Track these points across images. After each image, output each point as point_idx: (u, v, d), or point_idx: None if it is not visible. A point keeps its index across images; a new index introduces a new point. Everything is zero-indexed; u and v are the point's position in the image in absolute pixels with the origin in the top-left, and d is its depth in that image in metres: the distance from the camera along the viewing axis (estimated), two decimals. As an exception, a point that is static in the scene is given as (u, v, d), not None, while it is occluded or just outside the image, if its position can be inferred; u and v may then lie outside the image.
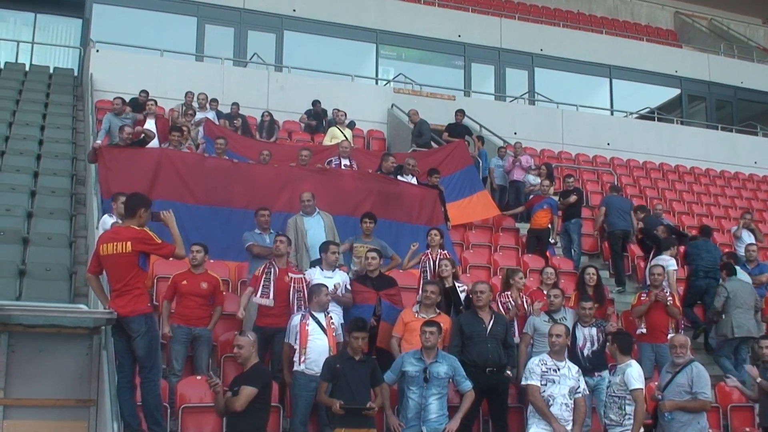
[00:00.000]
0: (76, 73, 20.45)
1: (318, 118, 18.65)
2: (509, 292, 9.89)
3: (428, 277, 10.11)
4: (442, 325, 8.18)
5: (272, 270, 8.96)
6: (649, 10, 33.10)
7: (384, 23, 24.04)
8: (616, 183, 16.28)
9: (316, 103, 18.92)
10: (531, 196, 14.89)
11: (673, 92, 27.72)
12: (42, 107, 17.00)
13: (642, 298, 10.59)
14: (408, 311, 8.81)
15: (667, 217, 15.58)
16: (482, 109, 21.22)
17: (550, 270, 10.54)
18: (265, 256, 9.59)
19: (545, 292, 9.95)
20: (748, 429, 9.18)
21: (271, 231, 10.26)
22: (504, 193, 16.36)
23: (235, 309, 9.17)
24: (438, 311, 8.82)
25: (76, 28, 22.56)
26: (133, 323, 7.21)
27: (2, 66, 19.46)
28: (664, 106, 27.30)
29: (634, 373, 7.96)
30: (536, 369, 7.77)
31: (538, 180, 15.12)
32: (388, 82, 22.62)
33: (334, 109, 18.06)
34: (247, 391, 6.87)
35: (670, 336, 9.41)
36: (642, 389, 7.98)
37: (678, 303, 10.88)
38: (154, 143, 13.46)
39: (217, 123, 15.68)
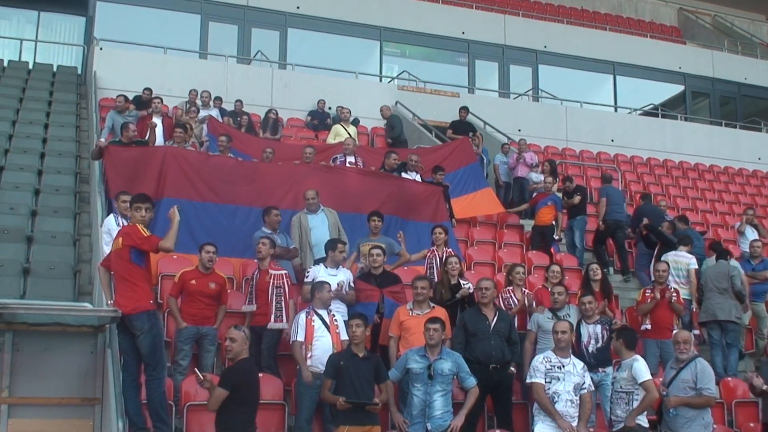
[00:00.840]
0: (79, 71, 20.42)
1: (322, 118, 18.67)
2: (511, 288, 9.91)
3: (434, 275, 10.12)
4: (444, 320, 8.14)
5: (255, 276, 9.12)
6: (653, 7, 33.02)
7: (388, 20, 24.00)
8: (608, 174, 16.37)
9: (320, 102, 18.94)
10: (535, 194, 14.89)
11: (677, 89, 27.65)
12: (46, 105, 16.98)
13: (647, 295, 10.58)
14: (403, 309, 8.75)
15: (672, 213, 15.56)
16: (486, 106, 21.22)
17: (556, 268, 10.48)
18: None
19: (550, 290, 9.94)
20: (752, 424, 9.17)
21: (279, 231, 10.28)
22: (509, 189, 16.36)
23: (239, 307, 9.19)
24: (432, 305, 8.75)
25: (79, 26, 22.54)
26: (136, 321, 7.23)
27: (6, 64, 19.44)
28: (668, 103, 27.24)
29: (641, 367, 7.99)
30: (540, 367, 7.79)
31: (541, 177, 15.11)
32: (392, 79, 22.61)
33: (338, 107, 18.08)
34: (216, 393, 6.61)
35: (674, 332, 9.41)
36: (652, 379, 8.02)
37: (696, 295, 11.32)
38: (160, 141, 13.48)
39: (220, 121, 15.70)
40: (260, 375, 7.43)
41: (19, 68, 19.39)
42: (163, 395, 7.41)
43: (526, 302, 9.81)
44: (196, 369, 7.75)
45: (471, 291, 9.23)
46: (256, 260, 9.54)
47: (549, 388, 7.70)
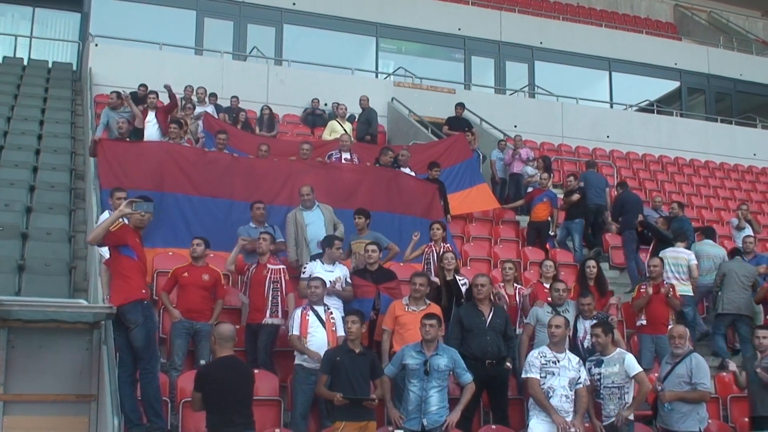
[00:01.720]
0: (74, 68, 20.42)
1: (317, 115, 18.65)
2: (501, 283, 9.95)
3: (431, 270, 10.12)
4: (440, 316, 8.15)
5: (251, 269, 9.13)
6: (649, 3, 33.04)
7: (384, 16, 23.99)
8: (592, 159, 16.39)
9: (314, 101, 18.93)
10: (530, 189, 14.89)
11: (673, 85, 27.69)
12: (41, 102, 16.97)
13: (641, 290, 10.59)
14: (399, 304, 8.74)
15: (666, 209, 15.57)
16: (482, 102, 21.22)
17: (549, 263, 10.53)
18: (254, 250, 9.59)
19: (546, 285, 9.95)
20: (747, 419, 9.17)
21: (267, 225, 10.26)
22: (505, 186, 16.37)
23: (235, 303, 9.18)
24: (428, 302, 8.76)
25: (74, 22, 22.52)
26: (130, 313, 7.23)
27: (1, 60, 19.42)
28: (664, 99, 27.27)
29: (632, 360, 8.03)
30: (535, 362, 7.81)
31: (536, 171, 15.12)
32: (388, 75, 22.58)
33: (333, 103, 18.05)
34: (193, 396, 6.65)
35: (669, 327, 9.41)
36: (643, 371, 8.07)
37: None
38: (155, 135, 13.45)
39: (216, 117, 15.67)
40: (255, 372, 7.39)
41: (14, 65, 19.38)
42: (157, 389, 7.41)
43: (518, 299, 9.80)
44: None
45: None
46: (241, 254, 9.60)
47: (544, 383, 7.70)
